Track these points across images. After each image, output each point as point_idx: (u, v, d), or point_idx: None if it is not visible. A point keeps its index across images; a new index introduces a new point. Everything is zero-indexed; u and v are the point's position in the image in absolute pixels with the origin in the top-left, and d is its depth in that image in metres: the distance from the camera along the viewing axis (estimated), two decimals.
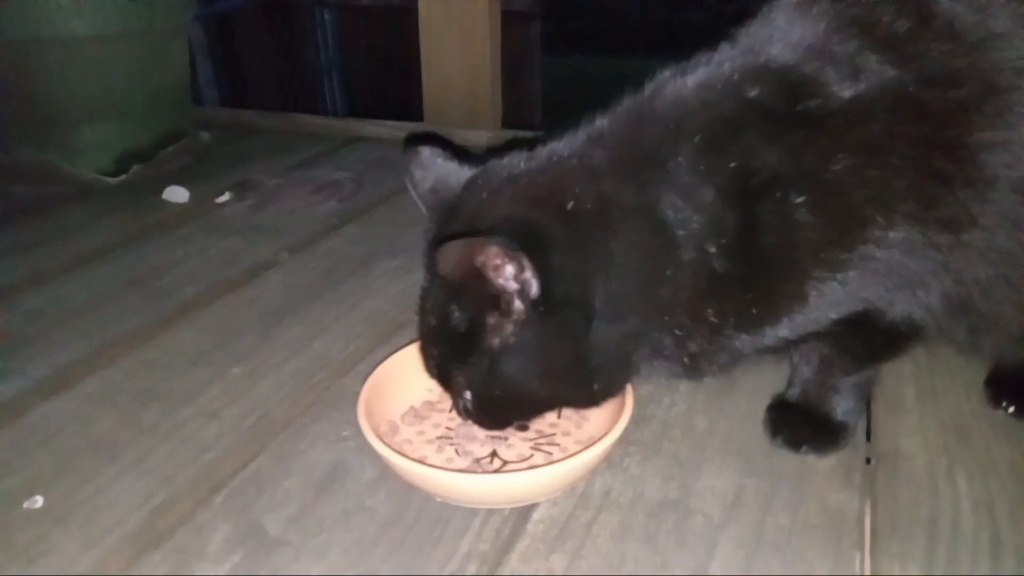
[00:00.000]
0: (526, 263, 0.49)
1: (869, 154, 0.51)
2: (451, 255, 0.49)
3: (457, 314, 0.53)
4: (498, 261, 0.49)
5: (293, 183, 1.29)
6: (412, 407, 0.68)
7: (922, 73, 0.51)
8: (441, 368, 0.57)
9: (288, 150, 1.47)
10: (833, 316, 0.55)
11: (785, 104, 0.52)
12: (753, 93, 0.53)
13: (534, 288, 0.50)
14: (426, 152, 0.61)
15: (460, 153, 0.62)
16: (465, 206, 0.55)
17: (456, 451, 0.63)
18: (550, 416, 0.66)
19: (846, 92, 0.51)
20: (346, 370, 0.78)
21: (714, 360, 0.57)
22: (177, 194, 1.20)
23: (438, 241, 0.50)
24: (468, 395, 0.56)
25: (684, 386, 0.73)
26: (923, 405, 0.70)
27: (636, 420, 0.68)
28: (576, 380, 0.54)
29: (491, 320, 0.52)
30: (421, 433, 0.65)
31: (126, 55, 1.26)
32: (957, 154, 0.51)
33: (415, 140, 0.64)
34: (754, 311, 0.54)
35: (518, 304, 0.51)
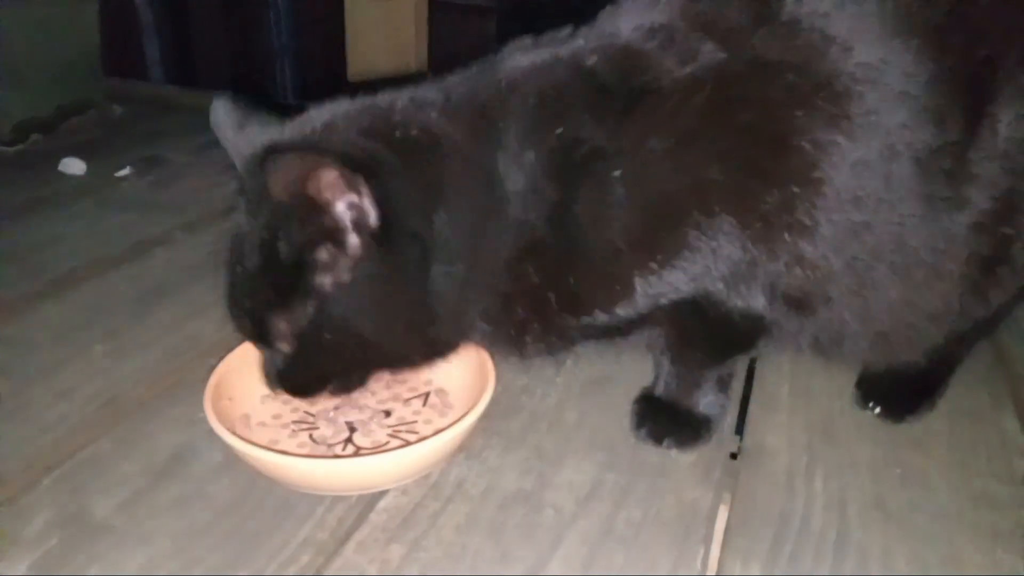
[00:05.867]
0: (364, 190, 0.46)
1: (689, 137, 0.50)
2: (285, 172, 0.44)
3: (285, 250, 0.48)
4: (334, 189, 0.45)
5: (203, 162, 1.24)
6: None
7: (756, 60, 0.50)
8: (257, 318, 0.51)
9: (206, 128, 1.40)
10: (660, 301, 0.54)
11: (618, 79, 0.52)
12: (590, 65, 0.52)
13: (372, 217, 0.47)
14: (233, 103, 0.57)
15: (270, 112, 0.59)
16: (292, 140, 0.52)
17: (311, 436, 0.60)
18: (414, 404, 0.64)
19: (677, 72, 0.51)
20: (216, 352, 0.74)
21: (541, 338, 0.56)
22: (73, 166, 1.15)
23: (268, 152, 0.45)
24: (286, 348, 0.52)
25: (560, 378, 0.72)
26: (795, 403, 0.70)
27: (505, 411, 0.67)
28: (415, 324, 0.51)
29: (323, 256, 0.48)
30: (278, 417, 0.63)
31: (27, 20, 1.20)
32: (780, 150, 0.50)
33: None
34: (573, 285, 0.53)
35: (354, 238, 0.47)
